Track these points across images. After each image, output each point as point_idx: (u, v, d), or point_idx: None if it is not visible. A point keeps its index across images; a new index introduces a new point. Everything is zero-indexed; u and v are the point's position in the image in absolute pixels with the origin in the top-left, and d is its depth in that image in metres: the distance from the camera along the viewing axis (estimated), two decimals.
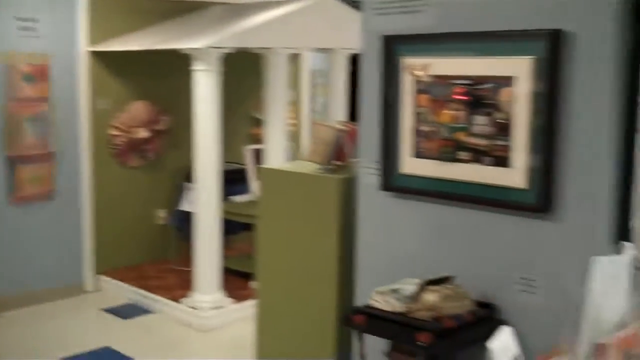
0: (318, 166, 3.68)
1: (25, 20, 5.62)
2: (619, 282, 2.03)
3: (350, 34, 6.04)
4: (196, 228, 5.26)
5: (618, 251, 2.20)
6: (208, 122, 5.16)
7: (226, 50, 5.15)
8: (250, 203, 5.99)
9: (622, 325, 1.99)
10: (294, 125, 6.96)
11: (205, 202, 5.22)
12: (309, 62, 6.32)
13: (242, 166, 6.24)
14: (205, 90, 5.14)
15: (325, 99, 7.59)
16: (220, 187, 5.29)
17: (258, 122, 6.97)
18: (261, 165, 4.25)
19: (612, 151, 2.62)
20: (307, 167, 3.73)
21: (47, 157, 5.77)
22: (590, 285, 2.00)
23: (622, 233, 2.61)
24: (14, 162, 5.60)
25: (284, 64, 5.56)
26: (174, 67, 6.19)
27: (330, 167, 3.64)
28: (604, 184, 2.63)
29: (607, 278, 2.00)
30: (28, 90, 5.64)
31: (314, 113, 7.19)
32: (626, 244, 2.17)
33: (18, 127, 5.57)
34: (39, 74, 5.68)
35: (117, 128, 6.15)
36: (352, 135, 3.64)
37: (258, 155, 6.03)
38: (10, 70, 5.53)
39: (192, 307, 5.29)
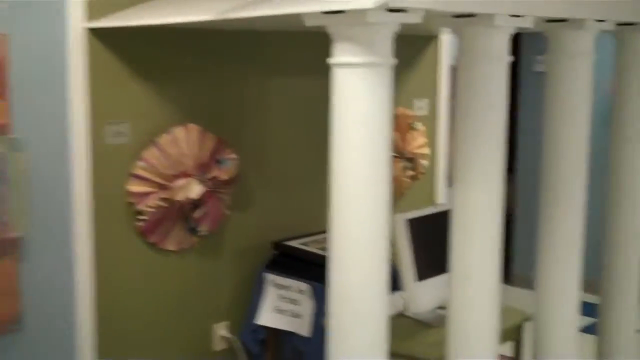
0: None
1: None
2: None
3: None
4: None
5: None
6: (365, 159, 2.20)
7: (411, 19, 2.20)
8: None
9: None
10: (423, 156, 4.19)
11: (356, 315, 2.22)
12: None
13: None
14: (359, 103, 2.19)
15: None
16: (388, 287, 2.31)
17: (410, 161, 4.12)
18: None
19: None
20: None
21: (6, 246, 2.81)
22: None
23: None
24: None
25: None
26: (244, 63, 3.34)
27: None
28: None
29: None
30: None
31: None
32: None
33: None
34: None
35: (143, 179, 3.18)
36: None
37: (416, 228, 3.06)
38: None
39: None
